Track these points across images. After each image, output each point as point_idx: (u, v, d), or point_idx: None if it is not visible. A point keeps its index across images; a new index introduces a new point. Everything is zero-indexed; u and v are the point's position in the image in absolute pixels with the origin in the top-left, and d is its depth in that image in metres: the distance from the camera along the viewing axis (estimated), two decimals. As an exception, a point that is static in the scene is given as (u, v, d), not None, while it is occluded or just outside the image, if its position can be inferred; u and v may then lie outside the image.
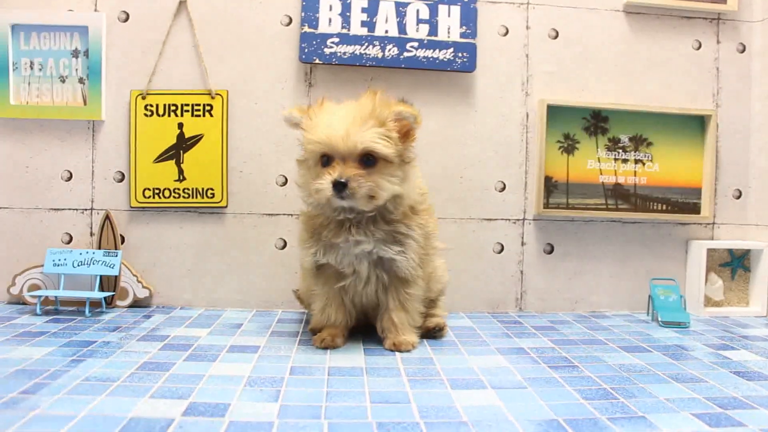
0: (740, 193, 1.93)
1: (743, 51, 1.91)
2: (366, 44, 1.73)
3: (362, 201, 1.27)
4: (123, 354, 1.26)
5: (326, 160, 1.29)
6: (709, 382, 1.18)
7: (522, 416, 0.97)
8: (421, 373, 1.19)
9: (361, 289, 1.39)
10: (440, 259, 1.55)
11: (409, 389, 1.09)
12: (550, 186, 1.83)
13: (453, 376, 1.17)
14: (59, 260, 1.68)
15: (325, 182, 1.26)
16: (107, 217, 1.73)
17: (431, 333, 1.46)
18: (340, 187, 1.24)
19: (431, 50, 1.74)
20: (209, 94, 1.75)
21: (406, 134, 1.32)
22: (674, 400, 1.07)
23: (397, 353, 1.33)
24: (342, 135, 1.25)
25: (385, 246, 1.34)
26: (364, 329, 1.48)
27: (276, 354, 1.29)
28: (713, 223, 1.92)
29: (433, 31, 1.75)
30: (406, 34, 1.74)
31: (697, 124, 1.89)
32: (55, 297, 1.68)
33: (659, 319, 1.70)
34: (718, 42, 1.90)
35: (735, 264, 1.92)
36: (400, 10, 1.74)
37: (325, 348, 1.34)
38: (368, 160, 1.27)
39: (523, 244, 1.85)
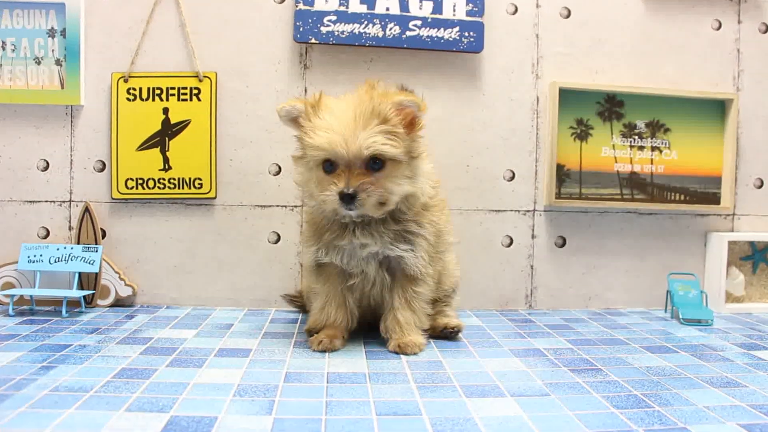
0: (762, 182, 1.82)
1: (766, 31, 1.80)
2: (365, 23, 1.61)
3: (372, 209, 1.17)
4: (100, 359, 1.13)
5: (329, 165, 1.18)
6: (748, 386, 1.07)
7: (549, 429, 0.86)
8: (430, 378, 1.07)
9: (369, 290, 1.28)
10: (451, 254, 1.43)
11: (419, 398, 0.97)
12: (562, 175, 1.72)
13: (466, 382, 1.06)
14: (35, 256, 1.56)
15: (331, 194, 1.15)
16: (87, 210, 1.60)
17: (444, 333, 1.35)
18: (348, 199, 1.14)
19: (435, 29, 1.62)
20: (197, 76, 1.62)
21: (411, 124, 1.21)
22: (715, 407, 0.95)
23: (402, 356, 1.21)
24: (347, 140, 1.14)
25: (393, 245, 1.23)
26: (366, 329, 1.37)
27: (269, 358, 1.17)
28: (733, 214, 1.81)
29: (438, 8, 1.63)
30: (408, 11, 1.62)
31: (717, 109, 1.78)
32: (30, 296, 1.55)
33: (680, 316, 1.59)
34: (739, 22, 1.79)
35: (756, 257, 1.81)
36: (402, -14, 1.62)
37: (323, 351, 1.23)
38: (375, 162, 1.17)
39: (533, 236, 1.73)
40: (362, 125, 1.15)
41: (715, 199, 1.78)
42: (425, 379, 1.07)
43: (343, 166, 1.16)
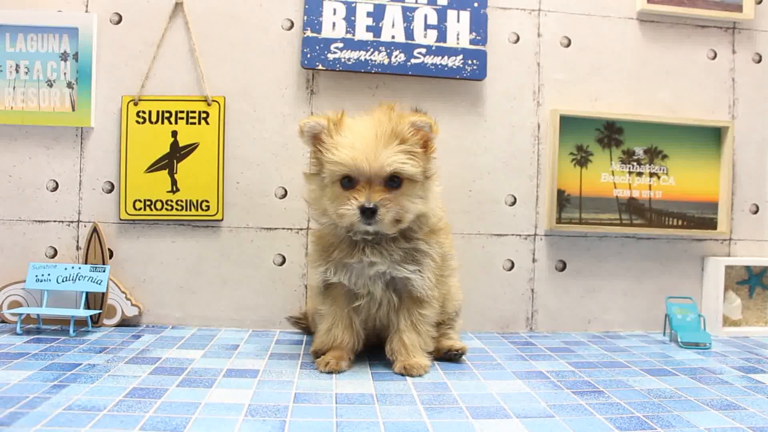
0: (757, 208, 1.85)
1: (759, 61, 1.85)
2: (371, 50, 1.65)
3: (388, 225, 1.21)
4: (110, 378, 1.15)
5: (348, 181, 1.21)
6: (748, 409, 1.09)
7: (555, 450, 0.88)
8: (437, 400, 1.09)
9: (375, 311, 1.30)
10: (454, 278, 1.46)
11: (427, 419, 0.99)
12: (562, 200, 1.75)
13: (472, 403, 1.08)
14: (42, 275, 1.58)
15: (351, 208, 1.18)
16: (95, 230, 1.62)
17: (448, 355, 1.37)
18: (369, 213, 1.17)
19: (440, 57, 1.67)
20: (205, 100, 1.65)
21: (424, 146, 1.25)
22: (716, 429, 0.98)
23: (408, 378, 1.23)
24: (369, 157, 1.18)
25: (400, 266, 1.26)
26: (371, 351, 1.38)
27: (277, 379, 1.19)
28: (730, 239, 1.84)
29: (442, 37, 1.67)
30: (413, 39, 1.66)
31: (713, 136, 1.82)
32: (37, 315, 1.56)
33: (678, 339, 1.62)
34: (733, 52, 1.84)
35: (753, 282, 1.84)
36: (408, 15, 1.66)
37: (330, 372, 1.24)
38: (393, 181, 1.21)
39: (534, 260, 1.76)
40: (383, 144, 1.19)
41: (711, 224, 1.82)
42: (432, 401, 1.08)
43: (364, 182, 1.19)
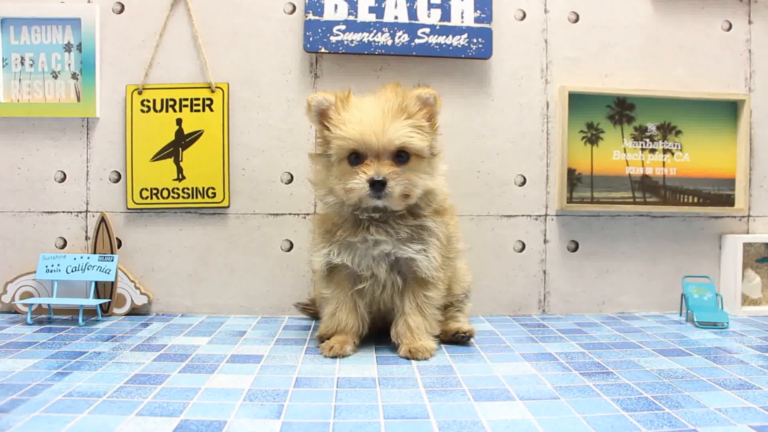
0: (777, 183, 1.80)
1: (777, 32, 1.78)
2: (374, 31, 1.62)
3: (397, 200, 1.20)
4: (114, 366, 1.15)
5: (355, 157, 1.21)
6: (762, 388, 1.05)
7: (557, 432, 0.86)
8: (440, 383, 1.07)
9: (379, 294, 1.29)
10: (461, 261, 1.44)
11: (428, 402, 0.97)
12: (573, 179, 1.71)
13: (476, 386, 1.06)
14: (52, 266, 1.59)
15: (360, 181, 1.17)
16: (103, 220, 1.63)
17: (456, 338, 1.35)
18: (378, 186, 1.17)
19: (444, 36, 1.63)
20: (209, 87, 1.65)
21: (430, 120, 1.26)
22: (727, 409, 0.95)
23: (413, 361, 1.21)
24: (377, 131, 1.18)
25: (405, 245, 1.24)
26: (377, 335, 1.37)
27: (280, 364, 1.18)
28: (748, 216, 1.79)
29: (446, 16, 1.64)
30: (417, 19, 1.63)
31: (729, 111, 1.76)
32: (48, 305, 1.58)
33: (695, 319, 1.58)
34: (749, 22, 1.77)
35: (773, 260, 1.79)
36: (410, -6, 1.63)
37: (334, 357, 1.23)
38: (401, 156, 1.20)
39: (545, 241, 1.73)
40: (391, 118, 1.19)
41: (729, 200, 1.77)
42: (434, 384, 1.07)
43: (372, 156, 1.19)
